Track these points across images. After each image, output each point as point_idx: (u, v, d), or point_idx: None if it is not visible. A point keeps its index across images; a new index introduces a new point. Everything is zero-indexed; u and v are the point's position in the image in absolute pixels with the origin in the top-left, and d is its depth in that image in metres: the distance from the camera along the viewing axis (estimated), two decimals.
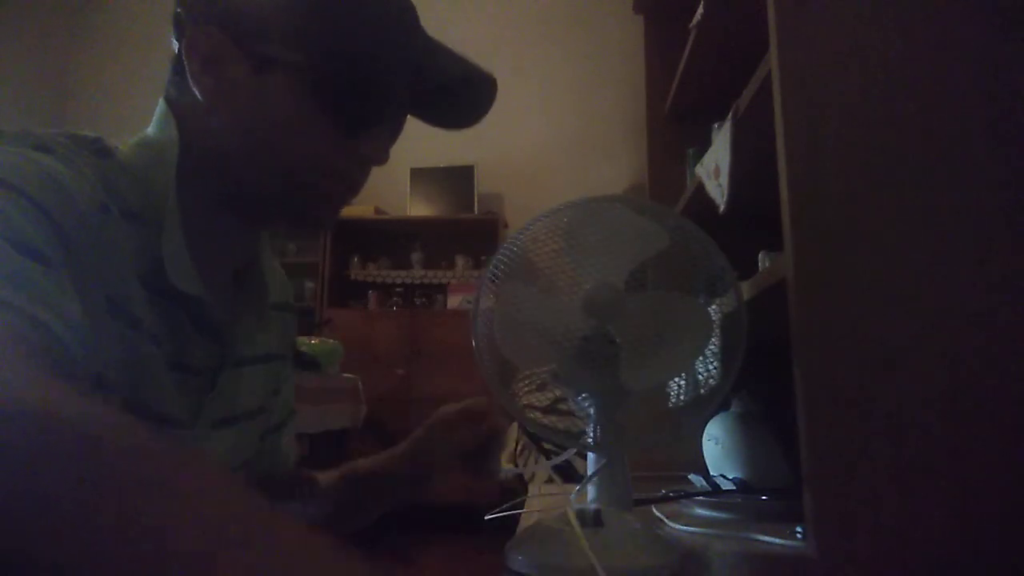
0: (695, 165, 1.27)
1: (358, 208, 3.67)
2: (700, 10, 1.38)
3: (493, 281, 0.70)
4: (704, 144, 1.31)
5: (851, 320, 0.62)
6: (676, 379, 0.72)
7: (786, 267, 0.66)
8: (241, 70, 0.50)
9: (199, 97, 0.51)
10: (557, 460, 1.04)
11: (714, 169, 1.08)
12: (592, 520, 0.57)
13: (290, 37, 0.49)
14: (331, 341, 2.37)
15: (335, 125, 0.50)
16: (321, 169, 0.51)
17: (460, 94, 0.61)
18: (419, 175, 3.68)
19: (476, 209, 3.64)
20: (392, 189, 3.69)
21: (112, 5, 4.28)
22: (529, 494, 1.09)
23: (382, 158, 0.53)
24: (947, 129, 0.64)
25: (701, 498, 0.90)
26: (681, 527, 0.78)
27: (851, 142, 0.65)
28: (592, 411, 0.66)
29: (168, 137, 0.52)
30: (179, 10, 0.53)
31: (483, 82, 0.61)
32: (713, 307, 0.70)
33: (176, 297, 0.49)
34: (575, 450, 0.74)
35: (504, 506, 0.87)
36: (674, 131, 1.85)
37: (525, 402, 0.79)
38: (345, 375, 2.37)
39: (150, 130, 0.54)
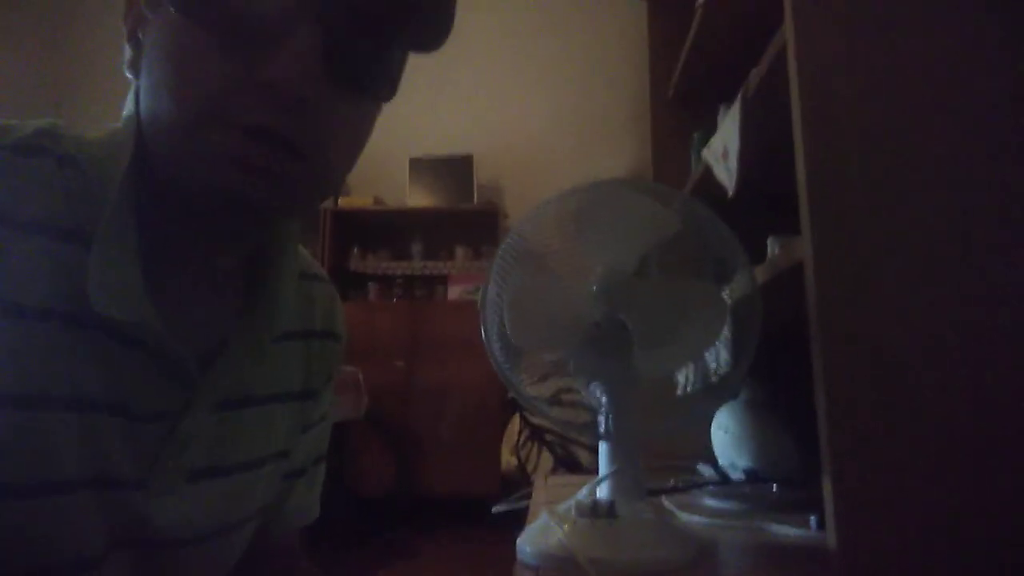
0: (701, 149, 1.25)
1: (357, 199, 3.64)
2: None
3: (502, 268, 0.68)
4: (710, 128, 1.28)
5: (872, 304, 0.60)
6: (687, 366, 0.71)
7: (804, 250, 0.64)
8: (148, 22, 0.43)
9: (125, 71, 0.45)
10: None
11: (722, 152, 1.05)
12: (606, 511, 0.56)
13: None
14: None
15: (221, 47, 0.39)
16: (222, 109, 0.39)
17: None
18: (418, 165, 3.65)
19: (475, 199, 3.62)
20: (391, 179, 3.66)
21: (114, 5, 4.21)
22: (534, 485, 1.08)
23: (295, 81, 0.38)
24: (974, 102, 0.62)
25: (712, 488, 0.89)
26: (691, 517, 0.77)
27: (871, 118, 0.63)
28: (604, 399, 0.64)
29: (127, 127, 0.44)
30: None
31: None
32: (724, 293, 0.68)
33: (109, 327, 0.41)
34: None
35: (511, 498, 0.86)
36: (678, 115, 1.82)
37: (529, 393, 0.78)
38: (346, 367, 2.36)
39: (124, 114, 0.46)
